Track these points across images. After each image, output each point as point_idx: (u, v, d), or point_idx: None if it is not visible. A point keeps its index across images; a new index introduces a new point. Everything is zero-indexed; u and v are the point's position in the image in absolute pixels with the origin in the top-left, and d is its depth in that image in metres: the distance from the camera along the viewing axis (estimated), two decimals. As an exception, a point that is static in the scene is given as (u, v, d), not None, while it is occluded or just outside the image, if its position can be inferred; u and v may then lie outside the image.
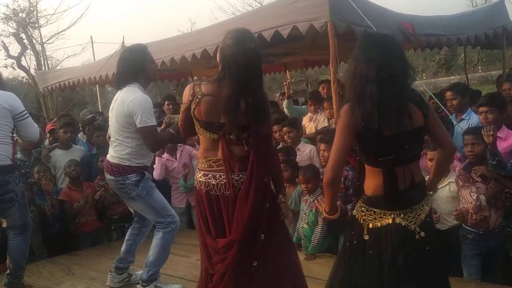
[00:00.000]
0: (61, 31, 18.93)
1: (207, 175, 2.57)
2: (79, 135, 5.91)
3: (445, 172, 2.54)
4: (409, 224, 2.08)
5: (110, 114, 3.47)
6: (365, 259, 2.15)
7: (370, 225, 2.15)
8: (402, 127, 2.01)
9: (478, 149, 3.33)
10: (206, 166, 2.59)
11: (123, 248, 3.72)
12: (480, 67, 23.53)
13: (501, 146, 3.67)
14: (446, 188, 3.49)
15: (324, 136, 4.21)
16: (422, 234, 2.07)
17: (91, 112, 7.84)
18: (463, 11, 8.84)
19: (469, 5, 24.04)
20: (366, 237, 2.15)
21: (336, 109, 4.70)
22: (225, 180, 2.52)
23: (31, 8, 17.32)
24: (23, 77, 20.03)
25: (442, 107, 4.47)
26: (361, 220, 2.19)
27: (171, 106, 6.61)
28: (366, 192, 2.20)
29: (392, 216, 2.10)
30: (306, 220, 4.08)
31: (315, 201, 3.94)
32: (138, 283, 3.52)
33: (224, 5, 31.46)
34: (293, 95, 7.07)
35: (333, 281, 2.31)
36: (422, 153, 2.68)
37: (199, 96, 2.50)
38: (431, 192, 2.37)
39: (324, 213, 2.41)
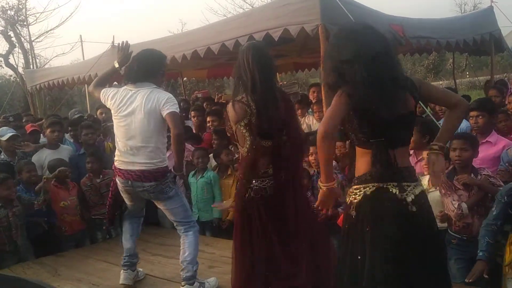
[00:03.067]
0: (50, 30, 18.62)
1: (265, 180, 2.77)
2: (66, 135, 5.82)
3: (456, 128, 2.39)
4: (401, 195, 2.06)
5: (122, 114, 3.32)
6: (360, 236, 2.11)
7: (358, 198, 2.12)
8: (396, 111, 2.02)
9: (466, 155, 3.31)
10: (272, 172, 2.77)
11: (130, 244, 3.66)
12: (467, 73, 23.82)
13: (491, 151, 3.71)
14: (438, 191, 3.49)
15: (314, 138, 4.12)
16: (414, 208, 2.06)
17: (79, 112, 7.75)
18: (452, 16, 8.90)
19: (457, 11, 24.36)
20: (353, 213, 2.13)
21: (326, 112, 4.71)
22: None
23: (20, 6, 17.13)
24: (11, 75, 19.83)
25: (427, 111, 4.48)
26: (349, 201, 2.18)
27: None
28: (356, 174, 2.20)
29: (383, 185, 2.09)
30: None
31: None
32: (183, 284, 3.44)
33: (215, 6, 31.41)
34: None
35: (341, 268, 2.28)
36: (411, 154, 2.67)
37: (253, 108, 2.65)
38: (440, 144, 2.24)
39: (320, 185, 2.26)
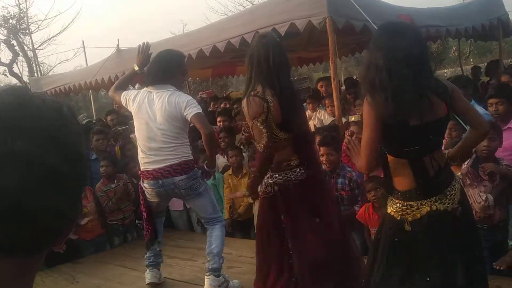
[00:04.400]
0: (53, 37, 18.62)
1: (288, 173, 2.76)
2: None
3: (469, 152, 2.47)
4: (447, 207, 2.08)
5: (142, 116, 3.29)
6: (410, 252, 2.12)
7: (410, 218, 2.12)
8: (426, 118, 1.99)
9: (494, 145, 3.24)
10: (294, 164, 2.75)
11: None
12: (472, 59, 23.64)
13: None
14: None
15: (324, 138, 3.98)
16: (460, 209, 2.09)
17: (87, 117, 7.74)
18: (456, 3, 8.79)
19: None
20: (408, 228, 2.13)
21: (337, 106, 4.66)
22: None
23: (21, 15, 17.12)
24: (15, 84, 19.78)
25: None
26: (399, 216, 2.15)
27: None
28: (397, 187, 2.17)
29: (430, 203, 2.09)
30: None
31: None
32: (208, 274, 3.39)
33: (216, 5, 31.22)
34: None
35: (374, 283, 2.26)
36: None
37: (270, 101, 2.61)
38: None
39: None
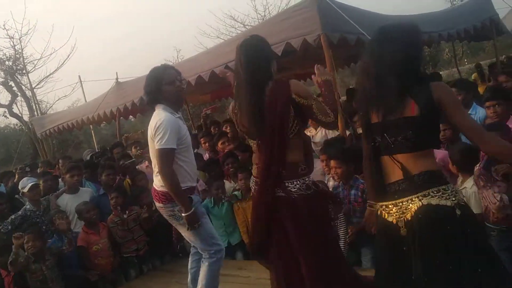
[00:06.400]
0: (49, 75, 18.61)
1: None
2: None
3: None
4: (388, 217, 2.07)
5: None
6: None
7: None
8: (387, 116, 2.04)
9: None
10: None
11: (189, 278, 3.57)
12: (466, 60, 23.79)
13: (514, 137, 3.66)
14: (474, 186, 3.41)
15: (333, 150, 4.01)
16: (404, 230, 2.01)
17: (91, 151, 7.76)
18: (445, 7, 8.91)
19: (447, 0, 24.37)
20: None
21: (340, 118, 4.68)
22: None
23: (17, 56, 17.25)
24: (15, 125, 19.92)
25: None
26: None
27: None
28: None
29: (377, 206, 2.16)
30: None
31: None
32: None
33: (207, 29, 31.49)
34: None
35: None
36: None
37: (236, 109, 2.67)
38: None
39: None
